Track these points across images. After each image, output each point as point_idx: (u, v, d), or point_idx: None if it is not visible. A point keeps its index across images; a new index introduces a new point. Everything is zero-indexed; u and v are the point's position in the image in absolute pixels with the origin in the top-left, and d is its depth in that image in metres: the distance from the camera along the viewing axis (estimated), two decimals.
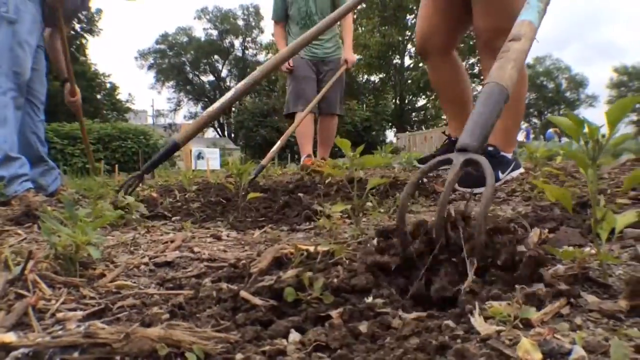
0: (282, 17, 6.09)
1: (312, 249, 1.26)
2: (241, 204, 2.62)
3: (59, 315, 0.90)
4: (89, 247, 1.13)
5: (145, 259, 1.42)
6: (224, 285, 1.01)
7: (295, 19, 5.97)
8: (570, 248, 1.35)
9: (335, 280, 0.99)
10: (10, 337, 0.68)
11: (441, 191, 3.04)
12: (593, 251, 1.16)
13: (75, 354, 0.64)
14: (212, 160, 18.95)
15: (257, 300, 0.91)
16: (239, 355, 0.69)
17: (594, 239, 1.05)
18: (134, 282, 1.17)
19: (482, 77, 47.40)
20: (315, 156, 6.07)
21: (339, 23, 5.93)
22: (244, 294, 0.93)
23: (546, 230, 1.50)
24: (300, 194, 3.05)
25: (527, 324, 0.78)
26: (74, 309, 0.94)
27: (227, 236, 1.95)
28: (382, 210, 2.28)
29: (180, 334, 0.68)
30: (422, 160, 3.93)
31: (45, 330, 0.83)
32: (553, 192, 1.04)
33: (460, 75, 3.60)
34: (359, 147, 1.95)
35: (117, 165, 12.38)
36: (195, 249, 1.61)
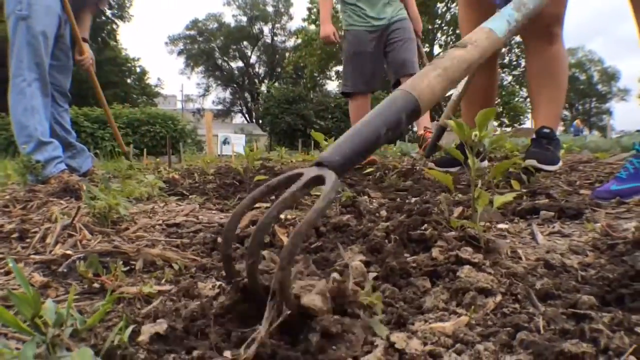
0: None
1: (282, 215, 1.70)
2: (250, 186, 3.05)
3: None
4: (118, 207, 1.59)
5: (160, 222, 1.87)
6: (208, 235, 1.46)
7: None
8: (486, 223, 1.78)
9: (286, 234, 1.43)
10: (69, 251, 1.15)
11: (429, 177, 3.41)
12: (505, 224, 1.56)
13: (108, 258, 1.09)
14: (237, 146, 19.48)
15: None
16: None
17: (473, 213, 1.47)
18: (149, 235, 1.62)
19: (512, 67, 45.79)
20: None
21: None
22: (219, 240, 1.38)
23: (469, 209, 1.91)
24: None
25: None
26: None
27: (229, 211, 2.40)
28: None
29: (170, 254, 1.13)
30: (437, 162, 3.76)
31: None
32: (437, 175, 1.46)
33: (496, 81, 3.71)
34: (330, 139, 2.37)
35: (145, 149, 12.98)
36: (200, 217, 2.06)
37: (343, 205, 1.80)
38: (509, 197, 1.50)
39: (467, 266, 1.01)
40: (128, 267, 1.06)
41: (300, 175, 0.97)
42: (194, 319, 0.79)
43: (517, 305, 0.92)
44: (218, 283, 0.93)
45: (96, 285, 0.97)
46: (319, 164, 1.02)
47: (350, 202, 1.82)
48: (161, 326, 0.73)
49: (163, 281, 1.02)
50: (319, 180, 0.96)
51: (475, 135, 1.39)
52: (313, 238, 1.39)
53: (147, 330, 0.73)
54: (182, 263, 1.12)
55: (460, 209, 1.86)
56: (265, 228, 0.86)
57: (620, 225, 1.73)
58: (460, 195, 2.43)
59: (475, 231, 1.43)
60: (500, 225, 1.81)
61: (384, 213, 1.72)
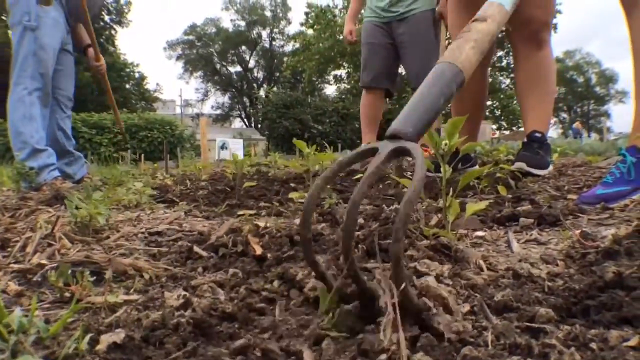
0: None
1: (262, 224, 1.73)
2: (239, 192, 3.08)
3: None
4: (98, 216, 1.62)
5: (143, 230, 1.90)
6: (185, 243, 1.49)
7: None
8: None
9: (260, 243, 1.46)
10: (44, 261, 1.18)
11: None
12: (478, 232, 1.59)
13: (80, 268, 1.12)
14: (235, 150, 19.53)
15: (203, 253, 1.39)
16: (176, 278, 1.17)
17: (445, 222, 1.49)
18: (129, 243, 1.65)
19: (510, 70, 45.89)
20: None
21: None
22: (196, 248, 1.41)
23: None
24: (292, 184, 3.53)
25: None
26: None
27: (215, 218, 2.43)
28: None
29: (142, 263, 1.16)
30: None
31: None
32: (406, 183, 1.49)
33: (486, 87, 3.73)
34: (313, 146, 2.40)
35: (143, 155, 13.03)
36: (184, 225, 2.09)
37: (320, 214, 1.83)
38: (482, 205, 1.52)
39: (425, 277, 1.03)
40: (99, 277, 1.10)
41: (373, 150, 0.95)
42: (154, 328, 0.82)
43: (473, 318, 0.94)
44: (184, 293, 0.96)
45: (67, 294, 1.00)
46: (393, 137, 1.00)
47: (328, 210, 1.85)
48: (119, 336, 0.76)
49: (132, 290, 1.06)
50: (399, 153, 0.95)
51: (446, 144, 1.42)
52: (286, 247, 1.42)
53: (106, 339, 0.76)
54: (154, 272, 1.15)
55: (438, 216, 1.89)
56: (359, 200, 0.84)
57: (599, 232, 1.74)
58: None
59: (447, 240, 1.46)
60: (478, 233, 1.83)
61: (360, 221, 1.74)
